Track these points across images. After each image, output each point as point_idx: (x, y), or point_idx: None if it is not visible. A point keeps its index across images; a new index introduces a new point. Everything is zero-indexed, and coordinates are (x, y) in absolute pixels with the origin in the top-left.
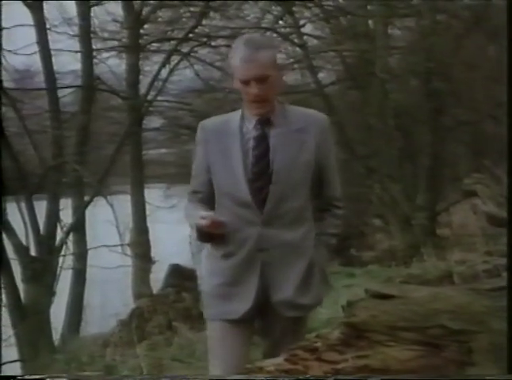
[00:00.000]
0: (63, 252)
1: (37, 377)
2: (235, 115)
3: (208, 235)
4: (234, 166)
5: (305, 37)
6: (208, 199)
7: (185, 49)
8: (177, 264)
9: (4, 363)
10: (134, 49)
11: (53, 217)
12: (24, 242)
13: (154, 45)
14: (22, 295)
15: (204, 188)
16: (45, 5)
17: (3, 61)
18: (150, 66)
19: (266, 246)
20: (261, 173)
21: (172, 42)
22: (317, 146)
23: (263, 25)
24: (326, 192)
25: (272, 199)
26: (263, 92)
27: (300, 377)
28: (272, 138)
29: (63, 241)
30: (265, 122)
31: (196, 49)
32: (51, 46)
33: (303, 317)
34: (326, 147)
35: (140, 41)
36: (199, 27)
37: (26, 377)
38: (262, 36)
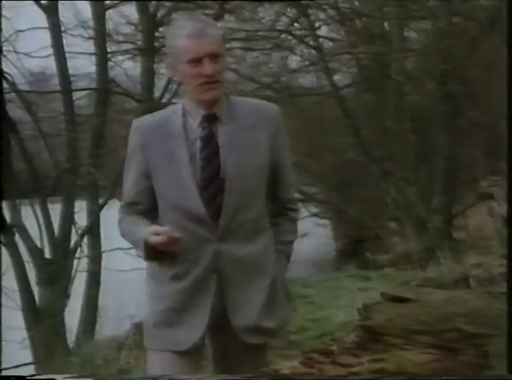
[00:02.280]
0: (77, 255)
1: (36, 377)
2: (176, 112)
3: (160, 254)
4: (180, 172)
5: (320, 39)
6: (149, 212)
7: None
8: None
9: (19, 366)
10: (149, 52)
11: (68, 219)
12: (38, 245)
13: None
14: (37, 298)
15: (144, 199)
16: (60, 7)
17: (18, 64)
18: (165, 68)
19: (223, 265)
20: (211, 180)
21: None
22: (271, 144)
23: (278, 28)
24: (281, 195)
25: (227, 210)
26: (215, 71)
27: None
28: (221, 138)
29: (78, 244)
30: (211, 118)
31: None
32: (66, 49)
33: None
34: (281, 144)
35: (155, 44)
36: None
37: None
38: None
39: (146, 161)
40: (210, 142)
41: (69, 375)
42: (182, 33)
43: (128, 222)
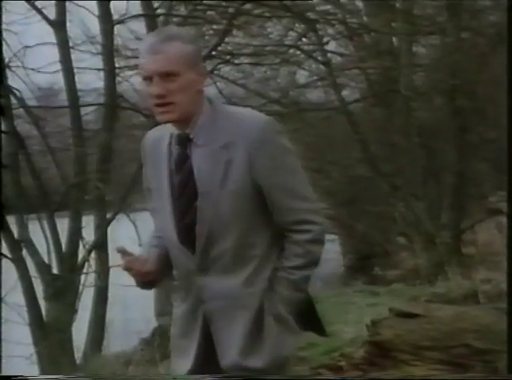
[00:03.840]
0: (85, 270)
1: (36, 377)
2: (168, 130)
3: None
4: (162, 197)
5: (329, 54)
6: None
7: (208, 67)
8: None
9: None
10: None
11: (75, 234)
12: (46, 260)
13: None
14: (44, 313)
15: None
16: (68, 23)
17: (26, 79)
18: None
19: (206, 298)
20: (187, 207)
21: None
22: (250, 165)
23: (286, 43)
24: (279, 219)
25: (200, 241)
26: (166, 91)
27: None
28: (194, 160)
29: (85, 259)
30: (183, 139)
31: (219, 67)
32: (74, 64)
33: None
34: (266, 164)
35: None
36: (222, 45)
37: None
38: (178, 28)
39: (146, 177)
40: (183, 165)
41: (70, 376)
42: (141, 48)
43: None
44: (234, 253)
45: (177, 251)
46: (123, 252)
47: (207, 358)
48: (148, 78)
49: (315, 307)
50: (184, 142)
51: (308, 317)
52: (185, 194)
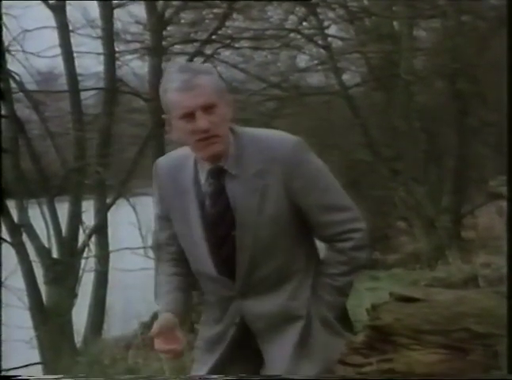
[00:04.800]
0: (85, 255)
1: (37, 377)
2: (189, 158)
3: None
4: (193, 233)
5: (329, 38)
6: (183, 255)
7: (208, 51)
8: None
9: (26, 365)
10: (157, 51)
11: (75, 219)
12: (46, 244)
13: (177, 47)
14: (44, 297)
15: (174, 241)
16: (68, 7)
17: (26, 64)
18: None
19: (246, 320)
20: (224, 238)
21: (195, 44)
22: (286, 188)
23: (287, 27)
24: (320, 234)
25: (241, 269)
26: (211, 124)
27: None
28: (229, 192)
29: (85, 244)
30: (217, 172)
31: (219, 51)
32: (74, 48)
33: None
34: (301, 183)
35: (163, 43)
36: (222, 28)
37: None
38: (196, 63)
39: (165, 205)
40: (219, 198)
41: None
42: (171, 87)
43: (161, 279)
44: (277, 274)
45: (213, 281)
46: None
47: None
48: (189, 115)
49: (346, 306)
50: (218, 174)
51: (341, 317)
52: (222, 225)
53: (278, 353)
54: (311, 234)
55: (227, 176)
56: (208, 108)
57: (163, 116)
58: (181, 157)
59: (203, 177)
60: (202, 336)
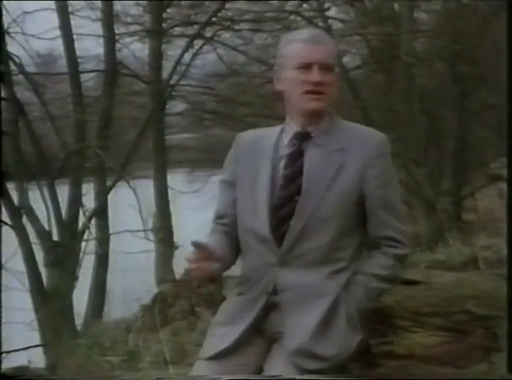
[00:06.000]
0: (85, 237)
1: (38, 377)
2: (276, 130)
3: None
4: (258, 190)
5: (330, 21)
6: (235, 227)
7: (208, 33)
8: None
9: (27, 348)
10: (157, 33)
11: (75, 202)
12: (46, 227)
13: (177, 29)
14: (45, 280)
15: (231, 211)
16: None
17: (26, 46)
18: (173, 50)
19: (278, 289)
20: (288, 200)
21: (195, 26)
22: (361, 173)
23: (287, 9)
24: (372, 231)
25: (291, 235)
26: (325, 82)
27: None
28: (307, 159)
29: (86, 226)
30: (302, 136)
31: (219, 33)
32: (74, 30)
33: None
34: (376, 174)
35: (163, 25)
36: (222, 11)
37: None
38: None
39: (235, 173)
40: (295, 160)
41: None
42: (297, 38)
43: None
44: (321, 252)
45: (259, 243)
46: (198, 246)
47: (272, 343)
48: (307, 66)
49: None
50: (302, 138)
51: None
52: (288, 188)
53: (301, 325)
54: (364, 232)
55: (310, 143)
56: (324, 66)
57: (274, 66)
58: (267, 130)
59: (286, 140)
60: (223, 309)
